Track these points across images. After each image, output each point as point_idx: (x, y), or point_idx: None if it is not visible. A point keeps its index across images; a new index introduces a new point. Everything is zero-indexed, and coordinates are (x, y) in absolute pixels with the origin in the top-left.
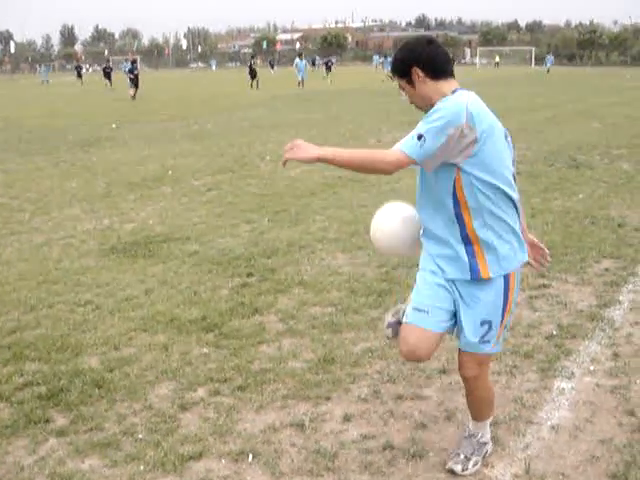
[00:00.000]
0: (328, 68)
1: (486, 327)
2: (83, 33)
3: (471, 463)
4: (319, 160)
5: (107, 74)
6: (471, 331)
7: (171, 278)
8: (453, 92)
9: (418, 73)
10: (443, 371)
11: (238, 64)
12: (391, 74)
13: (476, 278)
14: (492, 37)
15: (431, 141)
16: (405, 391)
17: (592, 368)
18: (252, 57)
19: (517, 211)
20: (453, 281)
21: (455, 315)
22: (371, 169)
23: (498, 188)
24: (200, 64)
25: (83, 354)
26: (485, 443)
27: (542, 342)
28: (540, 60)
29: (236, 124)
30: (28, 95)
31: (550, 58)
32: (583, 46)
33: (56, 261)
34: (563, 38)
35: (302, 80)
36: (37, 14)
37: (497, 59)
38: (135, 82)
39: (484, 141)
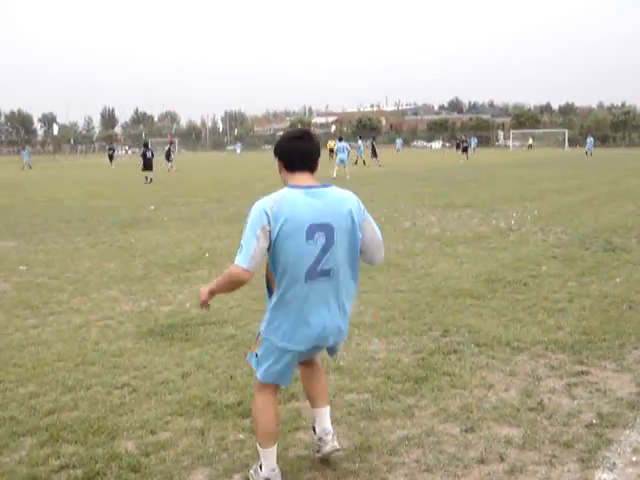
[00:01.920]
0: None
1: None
2: (123, 116)
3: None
4: (212, 295)
5: (110, 156)
6: None
7: (207, 362)
8: (285, 187)
9: (279, 164)
10: (481, 461)
11: (273, 147)
12: None
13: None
14: (524, 119)
15: (246, 247)
16: None
17: (634, 459)
18: None
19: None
20: None
21: None
22: (234, 287)
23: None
24: (238, 147)
25: (119, 437)
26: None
27: (582, 431)
28: (573, 142)
29: None
30: (68, 176)
31: (590, 140)
32: (616, 128)
33: (94, 342)
34: (596, 120)
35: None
36: (79, 97)
37: (530, 141)
38: (149, 165)
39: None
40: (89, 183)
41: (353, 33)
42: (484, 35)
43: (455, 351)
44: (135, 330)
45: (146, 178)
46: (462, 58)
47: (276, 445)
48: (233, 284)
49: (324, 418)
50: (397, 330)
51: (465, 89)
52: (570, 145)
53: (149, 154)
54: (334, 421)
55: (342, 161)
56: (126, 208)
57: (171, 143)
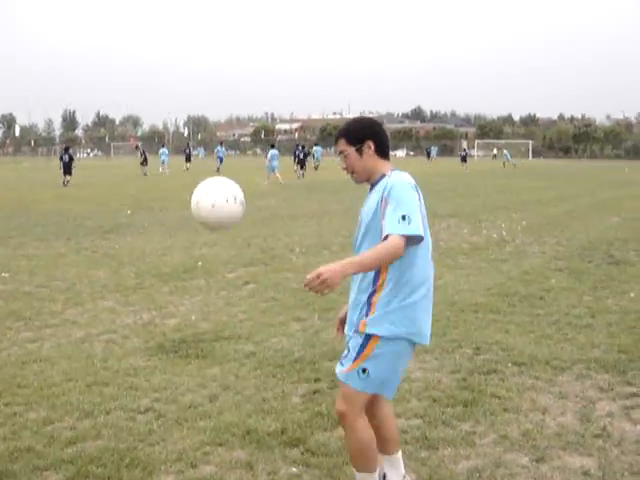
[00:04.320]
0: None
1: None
2: (85, 118)
3: None
4: (345, 276)
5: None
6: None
7: (233, 383)
8: (392, 171)
9: (370, 146)
10: None
11: (238, 152)
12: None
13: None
14: (488, 130)
15: (414, 215)
16: None
17: None
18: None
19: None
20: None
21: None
22: (390, 260)
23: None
24: (201, 151)
25: (158, 472)
26: None
27: None
28: (536, 153)
29: (254, 214)
30: (32, 178)
31: (506, 153)
32: (578, 139)
33: (102, 360)
34: (558, 131)
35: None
36: (40, 99)
37: (494, 151)
38: (68, 169)
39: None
40: (55, 186)
41: (317, 40)
42: (446, 49)
43: (495, 371)
44: (143, 346)
45: (63, 182)
46: (423, 66)
47: None
48: (393, 259)
49: (401, 464)
50: (426, 347)
51: (427, 99)
52: (534, 156)
53: (66, 158)
54: None
55: (274, 169)
56: (102, 212)
57: (188, 144)
